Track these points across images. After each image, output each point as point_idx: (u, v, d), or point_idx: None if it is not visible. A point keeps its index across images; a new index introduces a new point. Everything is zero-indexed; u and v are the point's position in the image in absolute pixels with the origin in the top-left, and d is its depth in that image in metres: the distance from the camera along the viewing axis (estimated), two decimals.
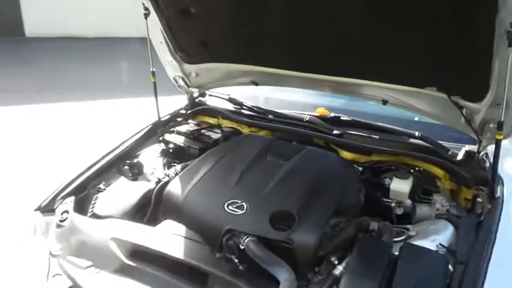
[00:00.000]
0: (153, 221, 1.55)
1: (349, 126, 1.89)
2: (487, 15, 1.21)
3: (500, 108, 1.37)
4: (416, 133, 1.74)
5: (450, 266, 1.22)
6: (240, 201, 1.43)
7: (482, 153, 1.61)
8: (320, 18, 1.57)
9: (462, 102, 1.55)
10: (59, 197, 1.57)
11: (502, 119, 1.37)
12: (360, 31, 1.54)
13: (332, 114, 1.97)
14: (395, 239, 1.39)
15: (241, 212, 1.40)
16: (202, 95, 2.32)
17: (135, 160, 1.80)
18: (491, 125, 1.53)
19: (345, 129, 1.86)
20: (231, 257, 1.30)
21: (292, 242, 1.30)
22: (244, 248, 1.28)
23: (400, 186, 1.59)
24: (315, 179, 1.53)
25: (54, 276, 1.27)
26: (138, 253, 1.31)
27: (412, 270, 1.19)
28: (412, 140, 1.75)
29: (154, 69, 1.97)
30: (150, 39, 1.93)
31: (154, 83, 2.00)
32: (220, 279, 1.19)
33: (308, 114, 1.97)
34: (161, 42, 1.98)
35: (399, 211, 1.61)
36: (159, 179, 1.66)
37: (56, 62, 8.29)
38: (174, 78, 2.19)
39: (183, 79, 2.17)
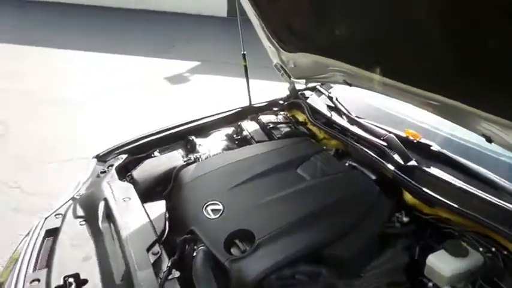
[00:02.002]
0: (170, 195, 1.54)
1: (435, 159, 1.35)
2: None
3: None
4: None
5: None
6: (220, 205, 1.26)
7: None
8: (417, 23, 1.15)
9: None
10: (115, 151, 1.76)
11: None
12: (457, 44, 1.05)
13: (421, 140, 1.44)
14: None
15: (213, 217, 1.24)
16: (312, 89, 2.10)
17: (191, 138, 1.81)
18: None
19: (428, 162, 1.34)
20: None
21: (230, 270, 1.07)
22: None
23: (439, 265, 1.05)
24: (317, 211, 1.19)
25: (56, 215, 1.44)
26: (110, 220, 1.34)
27: None
28: None
29: (245, 52, 1.90)
30: (240, 20, 1.86)
31: (245, 67, 1.94)
32: (130, 274, 1.10)
33: (392, 133, 1.50)
34: (257, 25, 1.88)
35: None
36: (187, 160, 1.62)
37: None
38: (276, 66, 2.05)
39: (282, 68, 2.01)
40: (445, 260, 1.05)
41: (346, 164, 1.49)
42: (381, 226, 1.21)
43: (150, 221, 1.29)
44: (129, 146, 1.79)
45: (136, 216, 1.32)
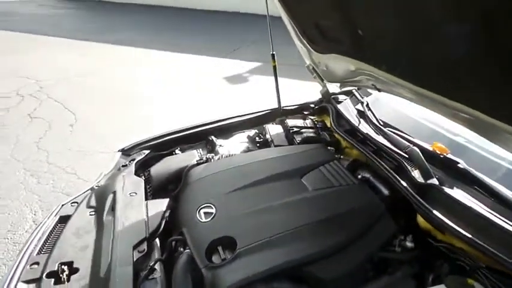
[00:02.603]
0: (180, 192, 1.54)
1: (461, 178, 1.18)
2: None
3: None
4: None
5: None
6: (213, 209, 1.23)
7: None
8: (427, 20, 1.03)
9: None
10: (139, 147, 1.81)
11: None
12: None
13: (448, 156, 1.27)
14: None
15: (204, 220, 1.21)
16: (347, 93, 1.98)
17: (211, 138, 1.79)
18: None
19: (452, 181, 1.18)
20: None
21: (206, 276, 1.03)
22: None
23: None
24: (308, 225, 1.10)
25: (72, 203, 1.52)
26: (113, 212, 1.37)
27: None
28: None
29: (274, 52, 1.84)
30: (269, 18, 1.80)
31: (275, 67, 1.88)
32: (113, 268, 1.10)
33: (417, 145, 1.35)
34: (288, 24, 1.81)
35: None
36: (199, 160, 1.61)
37: None
38: (308, 67, 1.96)
39: (315, 70, 1.92)
40: None
41: (359, 177, 1.37)
42: (376, 249, 1.08)
43: (147, 218, 1.30)
44: (153, 142, 1.83)
45: (135, 212, 1.33)
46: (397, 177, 1.24)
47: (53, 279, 1.14)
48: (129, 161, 1.73)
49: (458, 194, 1.13)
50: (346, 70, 1.70)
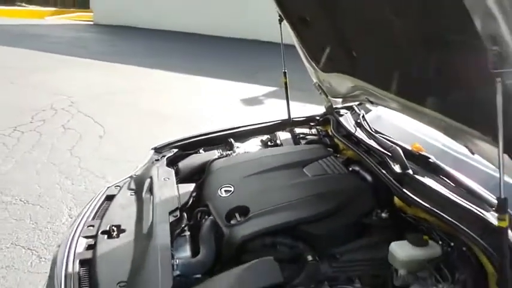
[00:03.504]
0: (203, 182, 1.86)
1: (431, 170, 1.50)
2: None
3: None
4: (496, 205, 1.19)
5: None
6: (231, 188, 1.55)
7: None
8: (405, 45, 1.39)
9: None
10: (170, 146, 2.15)
11: (502, 194, 0.84)
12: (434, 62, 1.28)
13: (422, 153, 1.58)
14: None
15: (224, 196, 1.53)
16: (349, 108, 2.31)
17: (230, 140, 2.13)
18: None
19: (423, 171, 1.49)
20: (188, 224, 1.48)
21: (225, 233, 1.35)
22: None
23: (397, 250, 1.20)
24: (305, 198, 1.42)
25: (116, 186, 1.86)
26: (149, 191, 1.70)
27: None
28: (490, 213, 1.21)
29: (286, 70, 2.19)
30: (282, 42, 2.16)
31: (286, 83, 2.23)
32: (151, 226, 1.42)
33: (398, 144, 1.67)
34: (298, 47, 2.17)
35: (396, 281, 1.21)
36: (221, 155, 1.94)
37: None
38: (315, 85, 2.31)
39: (320, 87, 2.26)
40: (404, 248, 1.20)
41: (350, 169, 1.68)
42: (357, 217, 1.38)
43: (178, 195, 1.62)
44: (181, 143, 2.17)
45: (169, 190, 1.66)
46: (380, 168, 1.55)
47: (106, 235, 1.47)
48: (161, 157, 2.07)
49: (427, 180, 1.43)
50: (346, 86, 2.04)
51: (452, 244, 1.19)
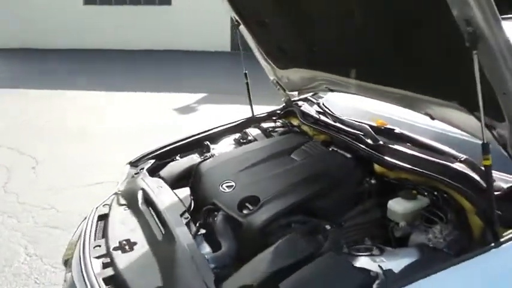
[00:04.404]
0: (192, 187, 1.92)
1: (398, 139, 1.74)
2: (450, 19, 1.03)
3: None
4: (461, 156, 1.46)
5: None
6: (232, 183, 1.65)
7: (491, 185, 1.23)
8: (362, 32, 1.60)
9: (489, 120, 1.24)
10: (145, 158, 2.17)
11: (485, 141, 1.07)
12: (391, 43, 1.52)
13: (387, 126, 1.83)
14: (353, 253, 1.31)
15: (228, 191, 1.62)
16: (304, 99, 2.51)
17: (206, 143, 2.21)
18: None
19: (392, 141, 1.73)
20: (200, 223, 1.55)
21: (242, 222, 1.45)
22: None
23: (396, 206, 1.42)
24: (304, 178, 1.59)
25: (104, 205, 1.84)
26: (147, 202, 1.72)
27: (312, 276, 1.16)
28: (455, 164, 1.47)
29: (247, 71, 2.33)
30: (240, 46, 2.30)
31: (247, 84, 2.37)
32: (169, 230, 1.47)
33: (365, 123, 1.90)
34: (255, 49, 2.33)
35: (397, 233, 1.42)
36: (205, 157, 2.02)
37: None
38: (272, 82, 2.48)
39: (278, 83, 2.44)
40: (400, 203, 1.42)
41: (330, 149, 1.88)
42: (352, 187, 1.59)
43: (180, 199, 1.68)
44: (156, 153, 2.19)
45: (169, 197, 1.70)
46: (357, 143, 1.76)
47: (119, 251, 1.47)
48: (140, 170, 2.08)
49: (398, 147, 1.67)
50: (306, 79, 2.24)
51: (435, 193, 1.43)
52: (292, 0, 1.83)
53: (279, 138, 2.06)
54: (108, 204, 1.84)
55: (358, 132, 1.85)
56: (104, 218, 1.74)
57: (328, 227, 1.38)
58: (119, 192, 1.93)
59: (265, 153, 1.83)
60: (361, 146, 1.73)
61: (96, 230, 1.67)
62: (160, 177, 2.00)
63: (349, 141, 1.79)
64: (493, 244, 1.13)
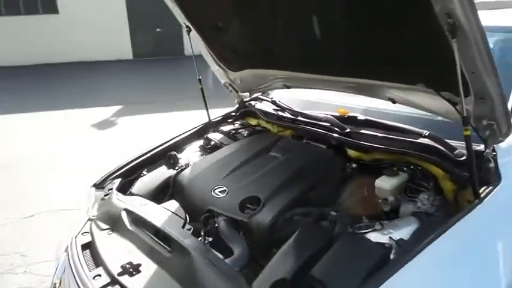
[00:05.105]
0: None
1: (362, 125, 1.91)
2: (430, 12, 1.18)
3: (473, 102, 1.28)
4: (424, 132, 1.67)
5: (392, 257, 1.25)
6: (224, 187, 1.67)
7: (488, 152, 1.46)
8: (325, 28, 1.72)
9: (454, 98, 1.45)
10: (109, 178, 2.05)
11: (465, 114, 1.27)
12: (353, 37, 1.65)
13: (350, 114, 2.00)
14: (360, 231, 1.42)
15: (222, 196, 1.64)
16: (255, 99, 2.58)
17: (172, 153, 2.17)
18: (486, 122, 1.40)
19: (358, 128, 1.89)
20: (203, 231, 1.55)
21: (250, 222, 1.48)
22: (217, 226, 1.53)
23: (383, 184, 1.58)
24: (294, 172, 1.67)
25: (83, 233, 1.72)
26: (137, 221, 1.65)
27: (339, 256, 1.25)
28: (420, 139, 1.68)
29: (200, 77, 2.33)
30: (193, 51, 2.29)
31: (202, 89, 2.37)
32: (178, 245, 1.44)
33: (328, 114, 2.04)
34: (207, 54, 2.34)
35: (386, 208, 1.58)
36: (179, 167, 1.99)
37: None
38: (224, 85, 2.51)
39: (231, 85, 2.48)
40: (385, 181, 1.58)
41: (304, 142, 1.99)
42: (338, 174, 1.72)
43: (173, 212, 1.64)
44: (121, 171, 2.09)
45: (161, 212, 1.65)
46: (330, 133, 1.90)
47: (125, 275, 1.40)
48: (108, 190, 1.97)
49: (365, 131, 1.84)
50: (261, 79, 2.31)
51: (412, 167, 1.63)
52: (250, 2, 1.89)
53: (250, 139, 2.11)
54: (87, 232, 1.72)
55: (325, 123, 1.99)
56: (88, 246, 1.63)
57: (333, 212, 1.48)
58: (94, 217, 1.81)
59: (244, 155, 1.87)
60: (335, 135, 1.86)
61: (85, 261, 1.56)
62: (133, 195, 1.92)
63: (322, 132, 1.92)
64: (477, 201, 1.34)
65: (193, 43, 2.27)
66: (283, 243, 1.45)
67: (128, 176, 2.08)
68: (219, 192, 1.65)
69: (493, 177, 1.42)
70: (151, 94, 8.10)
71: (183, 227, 1.54)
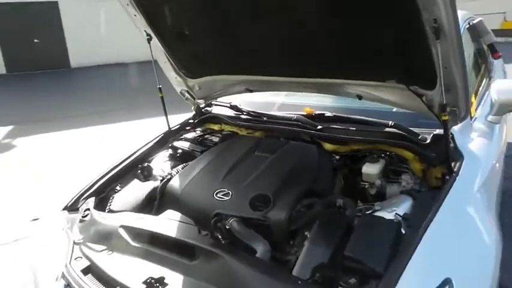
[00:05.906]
0: (159, 212, 1.83)
1: (331, 121, 2.10)
2: (416, 17, 1.41)
3: (441, 93, 1.55)
4: (390, 122, 1.93)
5: (403, 230, 1.42)
6: (226, 190, 1.69)
7: (448, 135, 1.76)
8: (291, 30, 1.82)
9: (420, 91, 1.72)
10: (81, 198, 1.89)
11: (444, 102, 1.55)
12: (323, 38, 1.78)
13: (317, 112, 2.19)
14: (368, 212, 1.58)
15: (227, 198, 1.66)
16: (209, 105, 2.61)
17: (145, 164, 2.09)
18: (449, 109, 1.69)
19: (327, 124, 2.07)
20: (216, 235, 1.56)
21: (267, 219, 1.55)
22: (229, 228, 1.55)
23: (370, 170, 1.79)
24: (291, 168, 1.78)
25: (76, 258, 1.57)
26: (141, 236, 1.58)
27: (364, 235, 1.40)
28: (386, 129, 1.93)
29: (160, 86, 2.28)
30: (154, 60, 2.24)
31: (162, 98, 2.32)
32: (204, 250, 1.44)
33: (296, 114, 2.20)
34: (165, 62, 2.30)
35: (372, 191, 1.80)
36: (163, 178, 1.94)
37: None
38: (181, 92, 2.49)
39: (188, 92, 2.47)
40: (371, 167, 1.80)
41: (283, 140, 2.10)
42: (328, 166, 1.87)
43: (179, 221, 1.61)
44: (93, 189, 1.94)
45: (165, 223, 1.61)
46: (307, 130, 2.05)
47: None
48: (84, 211, 1.82)
49: (336, 126, 2.04)
50: (222, 84, 2.36)
51: (387, 153, 1.87)
52: (219, 9, 1.93)
53: (228, 143, 2.14)
54: (80, 257, 1.58)
55: (296, 122, 2.14)
56: (89, 270, 1.51)
57: (340, 200, 1.62)
58: (81, 240, 1.67)
59: (231, 158, 1.90)
60: (311, 131, 2.02)
61: (93, 284, 1.44)
62: (114, 212, 1.82)
63: (299, 130, 2.06)
64: (454, 174, 1.62)
65: (153, 51, 2.22)
66: (298, 234, 1.56)
67: (99, 194, 1.95)
68: (223, 195, 1.67)
69: (456, 155, 1.72)
70: (41, 111, 7.36)
71: (199, 233, 1.53)
